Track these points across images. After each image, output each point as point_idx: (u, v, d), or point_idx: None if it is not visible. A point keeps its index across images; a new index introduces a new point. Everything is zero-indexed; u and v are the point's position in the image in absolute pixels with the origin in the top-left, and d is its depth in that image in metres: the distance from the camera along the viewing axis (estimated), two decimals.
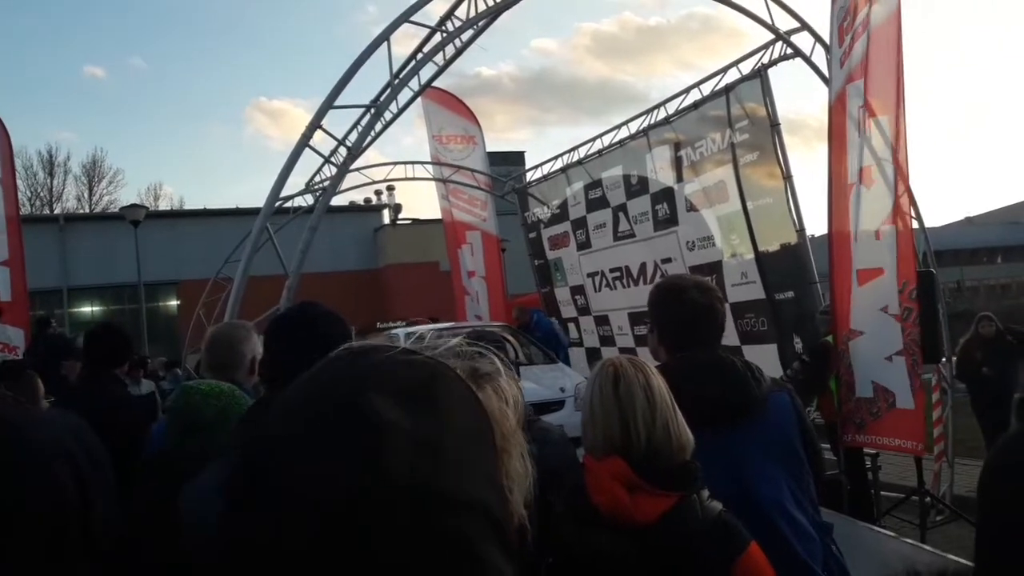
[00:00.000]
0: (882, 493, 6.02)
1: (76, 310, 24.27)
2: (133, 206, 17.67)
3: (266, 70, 69.61)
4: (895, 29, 5.38)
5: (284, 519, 0.61)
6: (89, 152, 51.62)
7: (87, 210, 35.97)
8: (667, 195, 8.73)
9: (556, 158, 11.22)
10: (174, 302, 24.87)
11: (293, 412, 0.68)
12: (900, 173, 5.40)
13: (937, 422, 6.62)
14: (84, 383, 3.85)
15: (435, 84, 8.37)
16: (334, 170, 6.81)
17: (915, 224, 8.01)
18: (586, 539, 1.77)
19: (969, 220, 57.78)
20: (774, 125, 7.28)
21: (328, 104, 6.18)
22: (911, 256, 5.35)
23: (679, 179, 8.56)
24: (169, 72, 61.99)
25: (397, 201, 29.99)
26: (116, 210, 27.67)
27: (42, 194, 37.13)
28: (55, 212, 33.02)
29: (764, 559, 1.75)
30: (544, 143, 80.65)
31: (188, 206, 37.91)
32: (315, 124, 6.10)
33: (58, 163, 37.73)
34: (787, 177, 7.17)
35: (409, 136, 79.32)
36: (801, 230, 7.11)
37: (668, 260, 8.66)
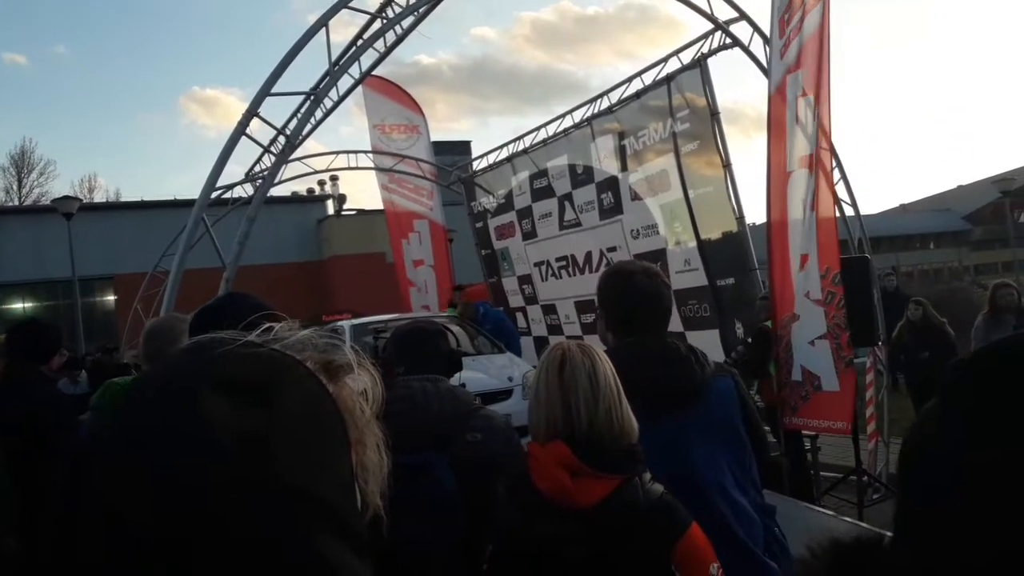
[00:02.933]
0: (821, 473, 6.18)
1: (6, 307, 23.41)
2: (66, 198, 17.05)
3: (198, 58, 68.21)
4: (825, 20, 5.51)
5: (104, 513, 0.60)
6: (17, 142, 49.59)
7: (16, 203, 34.65)
8: (612, 184, 8.78)
9: (502, 147, 11.20)
10: (111, 297, 24.18)
11: (129, 406, 0.68)
12: (821, 162, 5.56)
13: (870, 402, 6.83)
14: (6, 380, 3.66)
15: (375, 72, 8.24)
16: (273, 159, 6.68)
17: (851, 211, 8.25)
18: (530, 524, 1.78)
19: (903, 208, 59.69)
20: (714, 114, 7.37)
21: (265, 91, 6.04)
22: (833, 242, 5.48)
23: (623, 168, 8.62)
24: (95, 60, 60.21)
25: (341, 191, 29.60)
26: (48, 202, 26.69)
27: None
28: None
29: (705, 539, 1.77)
30: (486, 132, 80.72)
31: (125, 198, 36.87)
32: (252, 112, 5.96)
33: None
34: (727, 166, 7.27)
35: (348, 126, 78.80)
36: (741, 218, 7.23)
37: (613, 249, 8.72)
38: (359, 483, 0.76)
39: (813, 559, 0.72)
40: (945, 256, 50.86)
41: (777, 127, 5.78)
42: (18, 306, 23.83)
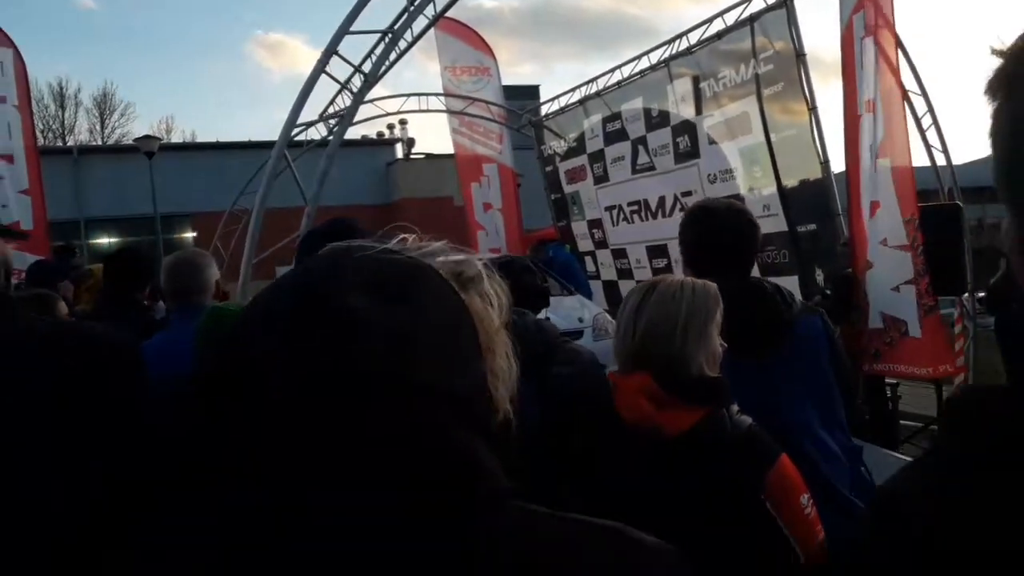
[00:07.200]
0: (901, 422, 6.08)
1: (94, 242, 24.38)
2: (146, 137, 17.56)
3: (260, 3, 68.43)
4: None
5: (256, 398, 0.64)
6: (99, 85, 51.07)
7: (100, 142, 35.82)
8: (688, 127, 8.57)
9: (573, 90, 11.01)
10: (190, 234, 24.90)
11: (273, 301, 0.72)
12: (890, 104, 5.43)
13: (958, 353, 6.65)
14: (105, 306, 3.85)
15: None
16: (348, 101, 6.72)
17: (942, 159, 7.92)
18: (615, 455, 1.79)
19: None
20: (800, 56, 7.09)
21: (344, 29, 6.05)
22: (911, 187, 5.37)
23: (701, 111, 8.40)
24: (162, 4, 61.07)
25: (410, 135, 29.69)
26: (128, 142, 27.55)
27: (54, 127, 37.03)
28: (68, 144, 32.90)
29: (795, 471, 1.76)
30: (550, 78, 78.96)
31: (199, 140, 37.72)
32: (331, 50, 5.99)
33: (69, 95, 37.52)
34: (812, 109, 7.02)
35: (411, 70, 78.40)
36: (825, 162, 6.99)
37: (689, 193, 8.54)
38: (490, 388, 0.78)
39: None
40: None
41: (848, 70, 5.70)
42: (104, 241, 24.74)
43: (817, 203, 7.10)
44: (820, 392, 2.21)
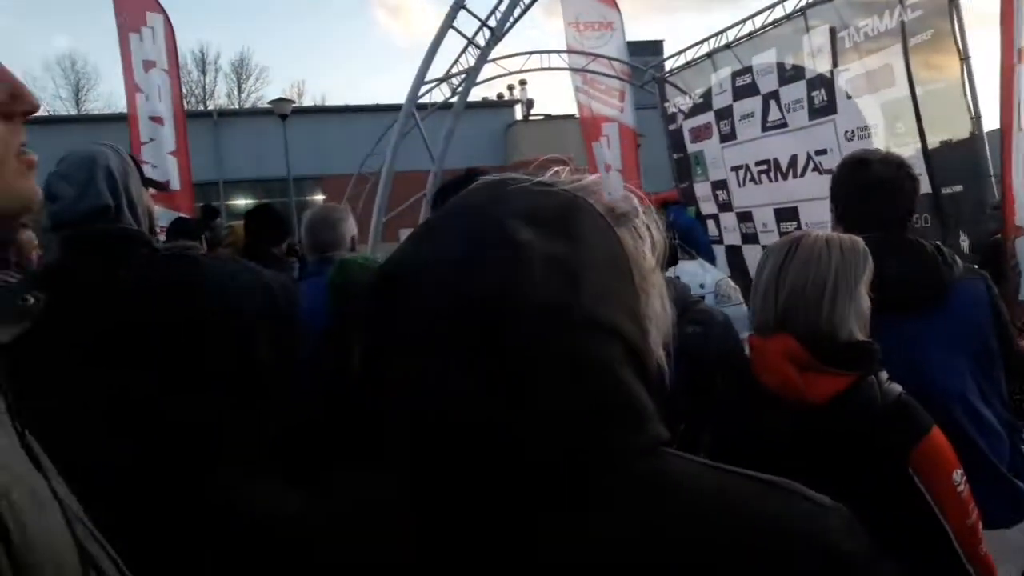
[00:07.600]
0: None
1: (231, 203, 25.74)
2: (280, 100, 18.26)
3: None
4: None
5: (422, 323, 0.64)
6: (237, 51, 53.65)
7: (237, 106, 37.66)
8: (825, 81, 8.08)
9: (701, 42, 10.61)
10: (320, 196, 25.92)
11: (435, 230, 0.71)
12: None
13: None
14: (247, 259, 4.06)
15: None
16: (472, 60, 6.75)
17: None
18: (754, 419, 1.73)
19: None
20: (952, 0, 6.54)
21: None
22: None
23: (837, 64, 7.91)
24: None
25: (529, 96, 29.58)
26: (263, 106, 28.78)
27: (196, 91, 39.24)
28: (208, 108, 34.76)
29: (947, 445, 1.64)
30: (673, 31, 76.26)
31: (329, 103, 39.00)
32: (459, 4, 6.01)
33: (209, 61, 39.68)
34: (964, 59, 6.47)
35: (533, 29, 77.63)
36: (976, 117, 6.45)
37: (823, 152, 8.09)
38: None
39: None
40: None
41: (1006, 12, 5.16)
42: (241, 202, 26.11)
43: (965, 162, 6.58)
44: (980, 360, 2.04)
